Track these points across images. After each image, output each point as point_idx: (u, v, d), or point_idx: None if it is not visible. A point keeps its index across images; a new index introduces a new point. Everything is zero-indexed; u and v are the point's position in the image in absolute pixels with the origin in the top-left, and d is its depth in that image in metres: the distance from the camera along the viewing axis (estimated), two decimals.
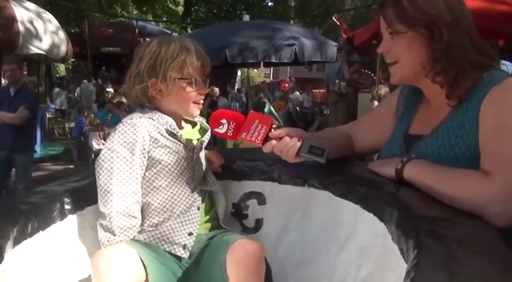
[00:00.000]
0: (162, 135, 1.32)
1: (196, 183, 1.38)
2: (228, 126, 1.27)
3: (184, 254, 1.31)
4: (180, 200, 1.34)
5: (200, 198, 1.38)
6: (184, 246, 1.31)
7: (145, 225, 1.32)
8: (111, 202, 1.24)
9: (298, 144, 1.23)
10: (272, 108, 8.40)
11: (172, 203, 1.33)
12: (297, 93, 12.77)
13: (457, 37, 1.11)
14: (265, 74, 31.32)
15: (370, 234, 1.18)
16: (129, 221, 1.26)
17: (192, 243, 1.32)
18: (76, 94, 13.63)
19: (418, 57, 1.16)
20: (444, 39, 1.11)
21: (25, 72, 11.28)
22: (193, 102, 1.38)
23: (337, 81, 7.86)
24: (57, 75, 19.12)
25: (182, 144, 1.35)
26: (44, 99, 9.26)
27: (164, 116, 1.34)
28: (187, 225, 1.33)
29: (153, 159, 1.31)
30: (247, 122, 1.25)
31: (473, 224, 0.94)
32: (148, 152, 1.30)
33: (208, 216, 1.41)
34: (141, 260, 1.17)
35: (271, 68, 27.38)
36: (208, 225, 1.41)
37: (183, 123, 1.44)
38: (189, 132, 1.43)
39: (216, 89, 10.86)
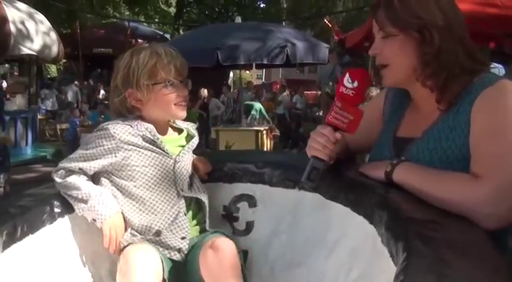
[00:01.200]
0: (139, 141, 1.33)
1: (179, 190, 1.37)
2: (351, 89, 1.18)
3: (180, 258, 1.33)
4: (163, 207, 1.34)
5: (184, 204, 1.38)
6: (179, 250, 1.33)
7: (135, 229, 1.33)
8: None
9: None
10: (263, 109, 8.40)
11: (155, 209, 1.34)
12: (285, 94, 12.78)
13: (448, 42, 1.11)
14: (257, 75, 31.32)
15: (360, 237, 1.18)
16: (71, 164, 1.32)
17: (186, 246, 1.34)
18: (67, 95, 13.61)
19: (409, 61, 1.15)
20: (435, 43, 1.11)
21: (16, 73, 11.24)
22: (175, 105, 1.38)
23: (330, 83, 7.88)
24: (49, 76, 19.00)
25: (162, 151, 1.36)
26: (35, 100, 9.19)
27: (144, 123, 1.36)
28: (179, 232, 1.34)
29: (128, 165, 1.33)
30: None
31: (462, 227, 0.94)
32: (123, 159, 1.32)
33: (195, 220, 1.42)
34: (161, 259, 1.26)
35: (264, 70, 27.39)
36: (198, 228, 1.41)
37: (170, 130, 1.46)
38: (174, 139, 1.44)
39: (205, 91, 10.85)
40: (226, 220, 1.55)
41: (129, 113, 1.38)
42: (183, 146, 1.43)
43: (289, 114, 12.30)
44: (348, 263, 1.21)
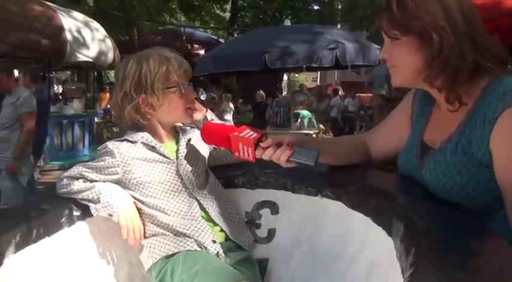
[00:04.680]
0: (140, 153, 1.35)
1: (190, 191, 1.37)
2: None
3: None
4: (178, 210, 1.34)
5: (199, 207, 1.37)
6: (217, 255, 1.32)
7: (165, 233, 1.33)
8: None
9: (288, 152, 1.21)
10: (311, 116, 8.25)
11: (169, 214, 1.33)
12: (337, 97, 12.57)
13: (451, 40, 1.03)
14: (312, 78, 31.07)
15: (379, 250, 1.11)
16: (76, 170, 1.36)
17: (221, 250, 1.32)
18: None
19: (415, 63, 1.10)
20: (435, 44, 1.04)
21: (75, 79, 11.78)
22: (187, 109, 1.40)
23: (385, 85, 7.65)
24: (108, 81, 19.81)
25: (163, 156, 1.37)
26: (93, 104, 9.58)
27: (138, 133, 1.38)
28: (205, 235, 1.33)
29: (132, 179, 1.34)
30: (234, 145, 1.25)
31: (481, 245, 0.84)
32: (124, 173, 1.33)
33: (218, 226, 1.38)
34: None
35: (319, 72, 27.12)
36: (223, 234, 1.38)
37: (171, 134, 1.45)
38: (174, 143, 1.44)
39: (262, 93, 10.87)
40: (248, 227, 1.51)
41: (143, 118, 1.38)
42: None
43: (341, 117, 12.10)
44: (366, 276, 1.14)
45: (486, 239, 0.88)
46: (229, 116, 9.85)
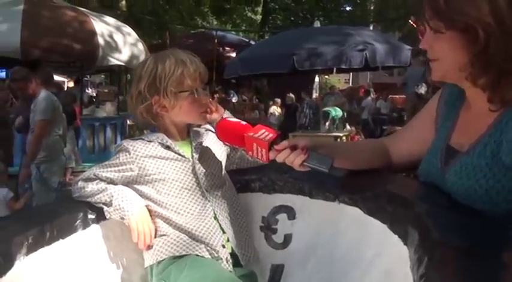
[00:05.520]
0: (154, 151, 1.35)
1: (203, 191, 1.36)
2: None
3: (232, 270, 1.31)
4: (190, 209, 1.33)
5: (212, 208, 1.35)
6: (227, 260, 1.31)
7: (171, 238, 1.32)
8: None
9: (303, 156, 1.19)
10: (341, 112, 8.08)
11: (180, 212, 1.32)
12: (369, 99, 12.38)
13: (497, 38, 0.98)
14: (345, 80, 30.71)
15: (395, 259, 1.06)
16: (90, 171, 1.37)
17: (229, 256, 1.31)
18: None
19: (459, 58, 1.04)
20: (481, 42, 0.98)
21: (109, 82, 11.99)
22: (200, 113, 1.40)
23: (424, 84, 7.51)
24: None
25: (178, 154, 1.36)
26: (125, 107, 9.74)
27: (154, 134, 1.38)
28: (216, 237, 1.31)
29: (146, 175, 1.34)
30: (248, 145, 1.25)
31: (499, 259, 0.78)
32: (139, 170, 1.33)
33: (226, 235, 1.36)
34: None
35: (351, 74, 26.79)
36: (229, 244, 1.35)
37: (187, 133, 1.45)
38: (189, 142, 1.44)
39: (292, 95, 10.82)
40: (264, 232, 1.48)
41: (154, 119, 1.39)
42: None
43: (372, 119, 11.93)
44: None
45: (507, 251, 0.82)
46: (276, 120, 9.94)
